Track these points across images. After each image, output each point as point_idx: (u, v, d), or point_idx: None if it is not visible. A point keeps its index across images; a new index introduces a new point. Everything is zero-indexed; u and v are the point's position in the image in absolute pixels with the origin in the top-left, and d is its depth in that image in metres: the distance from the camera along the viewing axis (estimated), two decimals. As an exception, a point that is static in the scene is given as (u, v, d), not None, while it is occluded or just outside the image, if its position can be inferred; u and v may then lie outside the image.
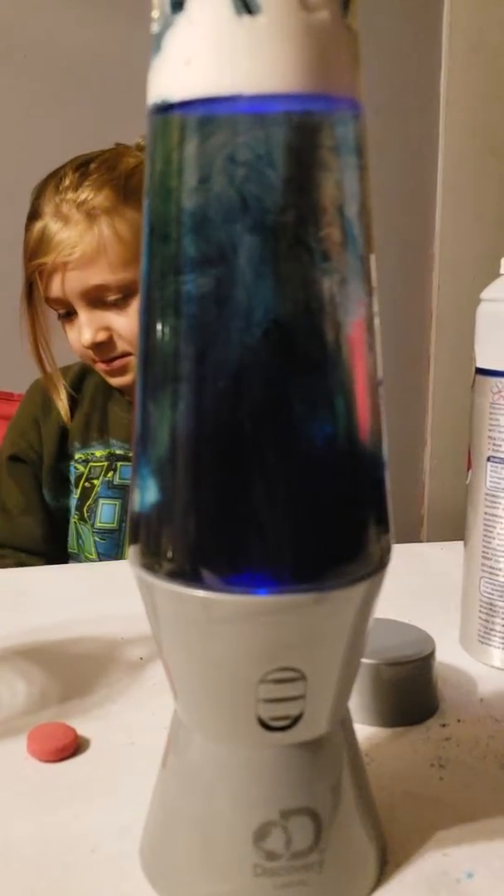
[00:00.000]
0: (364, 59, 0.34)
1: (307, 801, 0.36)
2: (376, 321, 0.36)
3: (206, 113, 0.31)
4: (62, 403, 1.19)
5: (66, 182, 1.07)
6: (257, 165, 0.30)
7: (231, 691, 0.34)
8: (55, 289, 1.09)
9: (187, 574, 0.33)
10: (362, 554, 0.35)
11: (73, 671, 0.59)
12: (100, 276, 1.06)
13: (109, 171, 1.08)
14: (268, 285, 0.31)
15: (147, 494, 0.35)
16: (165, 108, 0.32)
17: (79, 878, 0.39)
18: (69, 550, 1.21)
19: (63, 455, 1.21)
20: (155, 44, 0.32)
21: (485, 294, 0.57)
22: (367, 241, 0.34)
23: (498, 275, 0.57)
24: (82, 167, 1.08)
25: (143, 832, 0.40)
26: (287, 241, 0.31)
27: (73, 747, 0.49)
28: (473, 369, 0.58)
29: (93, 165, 1.08)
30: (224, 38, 0.30)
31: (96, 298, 1.08)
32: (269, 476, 0.32)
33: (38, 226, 1.08)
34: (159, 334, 0.33)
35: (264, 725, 0.35)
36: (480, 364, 0.57)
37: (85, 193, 1.06)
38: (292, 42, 0.30)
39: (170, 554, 0.34)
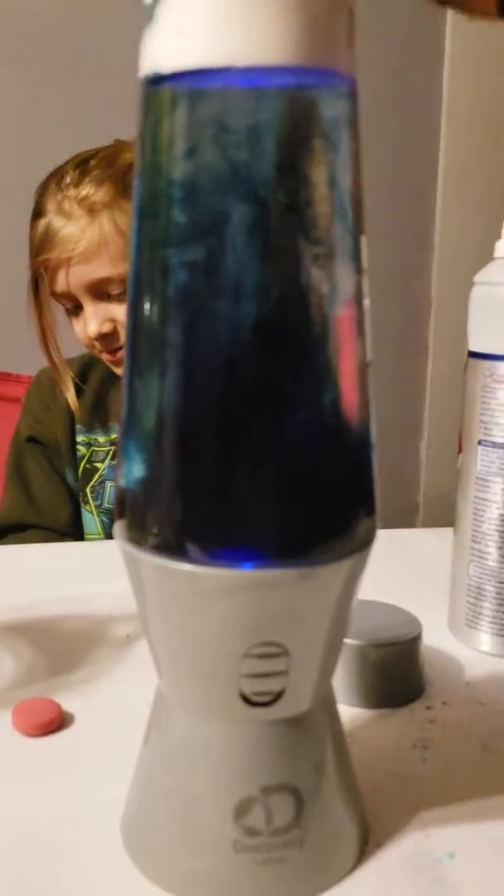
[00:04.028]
0: (366, 45, 0.33)
1: (288, 779, 0.36)
2: (367, 303, 0.35)
3: (197, 84, 0.31)
4: (70, 394, 1.22)
5: (68, 179, 1.11)
6: (248, 135, 0.30)
7: (214, 665, 0.34)
8: (61, 283, 1.12)
9: (173, 548, 0.33)
10: (347, 531, 0.35)
11: (60, 648, 0.59)
12: (103, 269, 1.10)
13: (109, 167, 1.11)
14: (257, 257, 0.31)
15: (133, 469, 0.35)
16: (156, 80, 0.32)
17: (60, 853, 0.39)
18: None
19: (75, 438, 1.23)
20: (148, 15, 0.32)
21: (478, 277, 0.57)
22: (359, 221, 0.34)
23: (492, 258, 0.57)
24: (82, 164, 1.12)
25: (124, 808, 0.40)
26: (277, 213, 0.31)
27: (58, 722, 0.49)
28: (466, 353, 0.58)
29: (92, 162, 1.12)
30: (218, 8, 0.30)
31: (101, 291, 1.12)
32: (255, 452, 0.32)
33: (42, 223, 1.11)
34: (147, 308, 0.33)
35: (247, 700, 0.35)
36: (473, 347, 0.57)
37: (86, 189, 1.10)
38: (287, 14, 0.30)
39: (155, 529, 0.34)
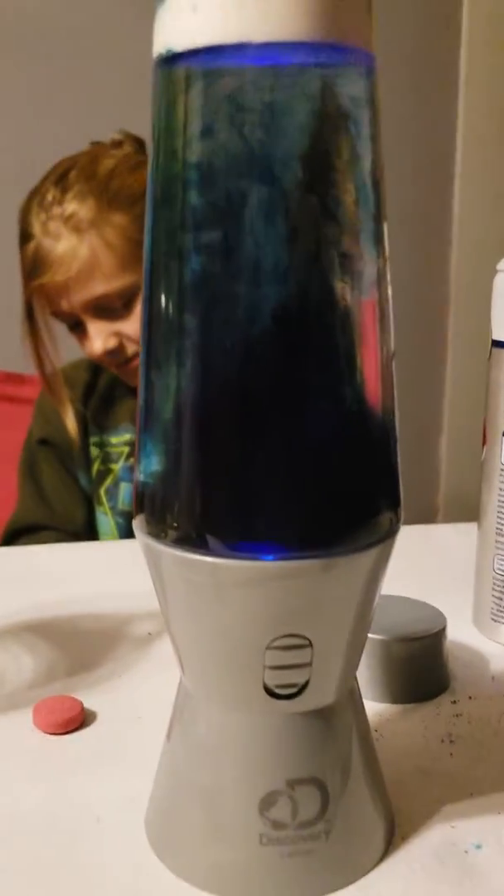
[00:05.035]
0: (382, 36, 0.33)
1: (314, 771, 0.35)
2: (390, 291, 0.35)
3: (212, 62, 0.30)
4: (70, 421, 1.20)
5: (49, 197, 1.08)
6: (265, 114, 0.30)
7: (238, 658, 0.34)
8: (61, 305, 1.11)
9: (193, 541, 0.33)
10: (371, 522, 0.34)
11: (80, 646, 0.58)
12: (99, 286, 1.08)
13: (89, 179, 1.08)
14: (276, 239, 0.30)
15: (151, 463, 0.34)
16: (170, 59, 0.31)
17: (84, 847, 0.38)
18: None
19: (87, 439, 1.23)
20: (161, -6, 0.31)
21: (501, 265, 0.56)
22: (380, 204, 0.33)
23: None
24: (62, 179, 1.09)
25: (148, 802, 0.40)
26: (297, 194, 0.30)
27: (80, 720, 0.48)
28: (490, 342, 0.57)
29: (72, 175, 1.09)
30: (233, -16, 0.29)
31: (101, 307, 1.10)
32: (275, 442, 0.32)
33: (32, 246, 1.09)
34: (163, 297, 0.33)
35: (271, 693, 0.34)
36: (497, 336, 0.56)
37: (70, 207, 1.07)
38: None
39: (175, 522, 0.33)
